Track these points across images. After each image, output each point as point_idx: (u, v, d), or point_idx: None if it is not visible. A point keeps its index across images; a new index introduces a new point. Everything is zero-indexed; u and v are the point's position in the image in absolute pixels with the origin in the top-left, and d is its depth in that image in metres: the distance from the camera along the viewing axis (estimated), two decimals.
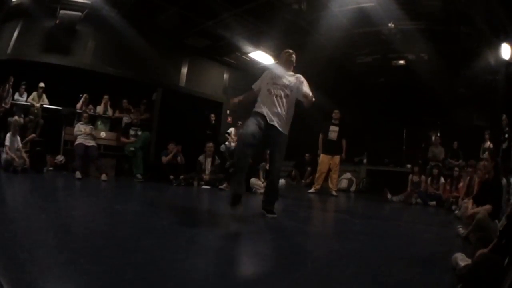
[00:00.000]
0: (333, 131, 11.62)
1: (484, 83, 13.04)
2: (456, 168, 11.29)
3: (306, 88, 5.52)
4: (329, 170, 11.64)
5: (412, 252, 4.12)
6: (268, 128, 5.35)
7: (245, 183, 5.45)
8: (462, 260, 3.11)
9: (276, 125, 5.40)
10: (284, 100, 5.49)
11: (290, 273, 2.99)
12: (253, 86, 5.84)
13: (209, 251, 3.52)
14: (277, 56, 6.19)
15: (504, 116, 11.03)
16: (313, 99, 5.40)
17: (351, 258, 3.63)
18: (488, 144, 12.07)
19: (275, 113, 5.42)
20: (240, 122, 12.48)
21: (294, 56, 5.83)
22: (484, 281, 2.59)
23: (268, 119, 5.36)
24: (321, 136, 11.84)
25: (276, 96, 5.47)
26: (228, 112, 15.92)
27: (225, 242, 3.98)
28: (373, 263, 3.49)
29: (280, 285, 2.68)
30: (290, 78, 5.66)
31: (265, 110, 5.41)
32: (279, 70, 5.79)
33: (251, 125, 5.22)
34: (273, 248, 3.96)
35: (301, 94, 5.46)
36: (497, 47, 10.85)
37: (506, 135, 10.94)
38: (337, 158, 11.60)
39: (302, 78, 5.71)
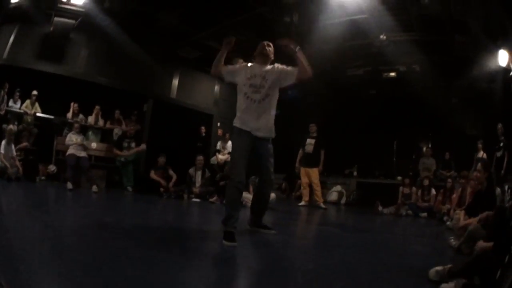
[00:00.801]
0: (309, 144, 11.70)
1: (479, 92, 13.02)
2: (449, 179, 11.20)
3: (289, 68, 5.06)
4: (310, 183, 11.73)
5: (401, 264, 4.11)
6: (255, 141, 5.00)
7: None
8: (442, 269, 3.13)
9: (262, 135, 5.04)
10: (264, 102, 5.02)
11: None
12: (229, 66, 5.30)
13: (200, 265, 3.50)
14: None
15: (500, 125, 11.05)
16: (308, 69, 4.91)
17: (340, 272, 3.62)
18: (481, 153, 12.04)
19: (258, 121, 5.01)
20: (227, 135, 12.52)
21: (270, 48, 5.22)
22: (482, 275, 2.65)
23: (253, 133, 4.98)
24: (300, 151, 11.95)
25: (255, 101, 4.99)
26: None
27: (215, 257, 3.97)
28: (361, 277, 3.49)
29: None
30: (266, 74, 5.06)
31: (247, 124, 5.00)
32: (254, 66, 5.19)
33: (238, 157, 4.96)
34: (262, 263, 3.94)
35: (288, 79, 5.03)
36: (493, 54, 10.89)
37: (501, 144, 10.95)
38: (314, 171, 11.61)
39: (278, 65, 5.18)
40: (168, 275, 2.96)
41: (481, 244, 3.46)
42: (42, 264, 2.97)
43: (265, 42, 5.26)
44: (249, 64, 5.24)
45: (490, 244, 3.21)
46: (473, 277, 2.85)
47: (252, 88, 4.99)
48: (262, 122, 5.03)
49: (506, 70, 11.01)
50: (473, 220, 5.02)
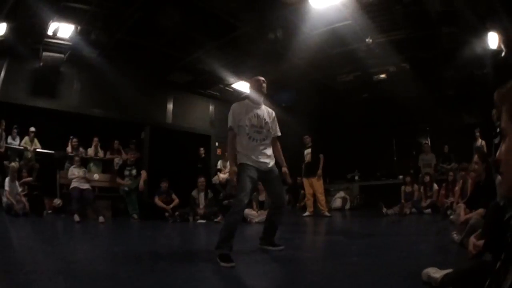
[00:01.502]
0: (307, 154, 11.97)
1: (472, 80, 13.01)
2: (450, 172, 11.26)
3: (277, 125, 5.49)
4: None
5: (406, 266, 4.01)
6: (261, 174, 5.12)
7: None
8: (435, 272, 3.10)
9: (268, 167, 5.19)
10: (266, 141, 5.23)
11: None
12: (231, 126, 5.20)
13: (208, 286, 3.61)
14: (249, 83, 5.58)
15: (494, 111, 11.01)
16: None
17: (344, 281, 3.64)
18: (480, 142, 12.05)
19: (262, 156, 5.15)
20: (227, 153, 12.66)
21: (265, 85, 5.36)
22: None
23: (258, 167, 5.08)
24: (302, 165, 12.14)
25: (257, 140, 5.14)
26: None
27: (221, 277, 4.01)
28: (366, 283, 3.50)
29: None
30: (265, 116, 5.32)
31: (252, 158, 5.09)
32: (250, 106, 5.28)
33: (243, 187, 4.91)
34: (268, 279, 3.99)
35: (276, 133, 5.44)
36: (483, 38, 10.81)
37: (498, 130, 10.89)
38: (316, 179, 11.71)
39: (274, 114, 5.52)
40: None
41: (472, 240, 3.46)
42: None
43: (261, 79, 5.36)
44: (244, 103, 5.31)
45: (481, 242, 3.22)
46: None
47: (253, 128, 5.13)
48: (267, 157, 5.20)
49: (497, 52, 11.01)
50: (474, 214, 4.97)
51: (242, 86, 14.90)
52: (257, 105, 5.29)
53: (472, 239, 3.41)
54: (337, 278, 3.80)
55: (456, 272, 2.86)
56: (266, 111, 5.36)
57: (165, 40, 11.60)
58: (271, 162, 5.25)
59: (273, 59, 12.32)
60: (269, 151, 5.25)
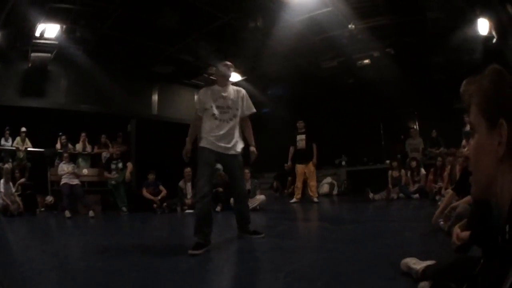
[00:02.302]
0: (301, 140, 11.92)
1: (461, 65, 12.91)
2: (439, 157, 11.19)
3: (249, 103, 5.50)
4: (306, 178, 11.86)
5: (389, 255, 3.89)
6: (220, 158, 5.18)
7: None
8: (415, 263, 3.03)
9: (228, 153, 5.18)
10: (232, 122, 5.21)
11: None
12: (198, 112, 5.35)
13: (192, 277, 3.65)
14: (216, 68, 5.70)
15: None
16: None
17: (324, 269, 3.66)
18: (468, 127, 12.00)
19: (223, 139, 5.13)
20: None
21: (232, 68, 5.52)
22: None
23: (216, 150, 5.09)
24: (291, 148, 12.08)
25: (222, 120, 5.15)
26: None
27: (204, 267, 4.07)
28: (346, 272, 3.48)
29: None
30: (232, 96, 5.34)
31: (211, 141, 5.09)
32: (217, 89, 5.34)
33: (202, 174, 5.00)
34: (247, 268, 4.00)
35: (244, 112, 5.44)
36: (472, 24, 10.73)
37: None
38: (310, 166, 11.77)
39: (243, 92, 5.52)
40: None
41: (456, 231, 3.38)
42: None
43: (228, 63, 5.45)
44: (211, 88, 5.39)
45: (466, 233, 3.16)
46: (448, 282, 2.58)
47: (220, 109, 5.16)
48: (229, 139, 5.18)
49: (487, 38, 10.94)
50: (461, 202, 4.80)
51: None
52: (224, 87, 5.35)
53: (456, 229, 3.36)
54: (318, 266, 3.85)
55: (439, 265, 2.79)
56: (233, 91, 5.40)
57: (147, 33, 11.61)
58: (233, 149, 5.23)
59: (255, 47, 12.34)
60: (233, 133, 5.24)
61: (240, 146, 5.32)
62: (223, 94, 5.27)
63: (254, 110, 5.55)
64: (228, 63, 5.47)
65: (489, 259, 1.60)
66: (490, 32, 10.73)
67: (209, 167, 5.04)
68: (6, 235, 7.39)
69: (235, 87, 5.52)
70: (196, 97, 14.94)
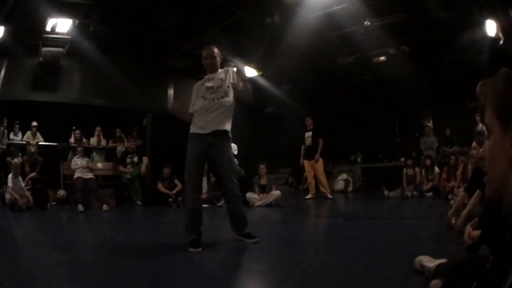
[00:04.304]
0: (308, 137, 12.01)
1: (472, 64, 12.85)
2: (452, 156, 11.04)
3: (237, 75, 5.04)
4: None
5: (402, 253, 3.94)
6: (207, 142, 4.84)
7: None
8: (428, 262, 3.03)
9: (213, 128, 4.86)
10: (223, 100, 4.91)
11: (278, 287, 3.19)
12: (190, 110, 5.12)
13: (206, 271, 3.70)
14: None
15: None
16: (248, 85, 5.01)
17: (338, 266, 3.66)
18: (480, 126, 11.86)
19: (210, 117, 4.87)
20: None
21: (213, 60, 5.09)
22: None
23: (203, 132, 4.85)
24: (302, 146, 12.17)
25: (212, 100, 4.89)
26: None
27: (219, 261, 4.14)
28: (360, 269, 3.51)
29: None
30: (222, 76, 5.04)
31: (199, 124, 4.89)
32: (209, 76, 5.10)
33: (189, 164, 4.85)
34: (263, 263, 4.01)
35: (235, 85, 5.02)
36: (481, 25, 10.70)
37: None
38: (317, 162, 11.79)
39: (234, 69, 5.18)
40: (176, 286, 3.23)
41: (468, 229, 3.36)
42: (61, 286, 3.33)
43: (205, 54, 5.16)
44: (203, 78, 5.20)
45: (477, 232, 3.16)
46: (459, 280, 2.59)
47: (209, 90, 4.96)
48: (217, 118, 4.91)
49: (495, 40, 10.91)
50: (472, 199, 4.69)
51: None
52: (213, 74, 5.10)
53: (468, 228, 3.34)
54: (332, 262, 3.85)
55: (450, 263, 2.79)
56: (222, 72, 5.12)
57: (163, 28, 11.58)
58: (220, 124, 4.92)
59: (272, 43, 12.31)
60: (222, 115, 4.94)
61: (228, 128, 5.04)
62: (212, 75, 5.08)
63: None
64: (210, 53, 5.13)
65: (498, 258, 1.61)
66: (497, 34, 10.72)
67: (198, 160, 4.89)
68: (11, 230, 7.32)
69: (226, 68, 5.26)
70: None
